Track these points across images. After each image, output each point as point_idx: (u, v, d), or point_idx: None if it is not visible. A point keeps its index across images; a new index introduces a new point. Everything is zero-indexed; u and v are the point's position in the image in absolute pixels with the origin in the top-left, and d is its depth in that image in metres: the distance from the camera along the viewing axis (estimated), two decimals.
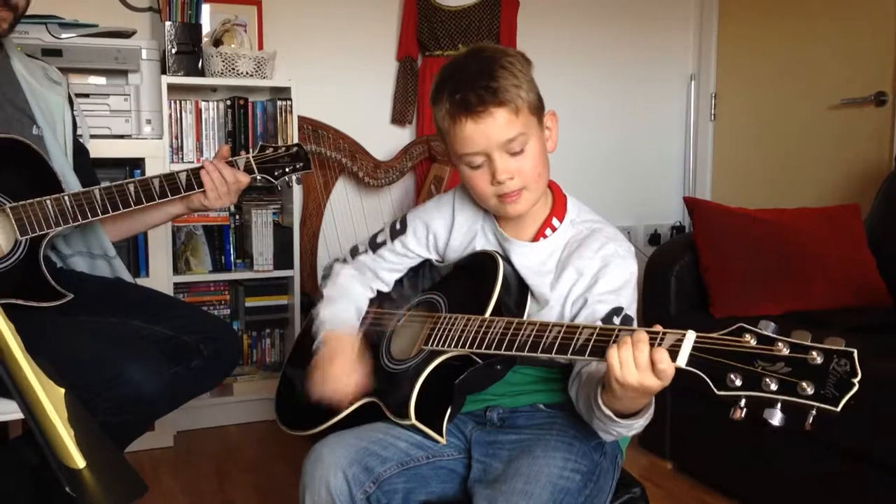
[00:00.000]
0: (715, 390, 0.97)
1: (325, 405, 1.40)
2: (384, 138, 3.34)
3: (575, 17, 3.66)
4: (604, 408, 1.16)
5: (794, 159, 3.43)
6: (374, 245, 1.58)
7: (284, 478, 2.51)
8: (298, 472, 1.33)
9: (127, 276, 1.92)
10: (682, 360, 1.01)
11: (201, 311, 1.91)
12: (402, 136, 3.39)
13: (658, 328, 1.06)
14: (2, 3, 1.63)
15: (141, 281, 2.61)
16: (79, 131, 1.84)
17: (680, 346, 1.02)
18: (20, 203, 1.53)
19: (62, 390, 0.91)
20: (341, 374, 1.39)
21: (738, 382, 0.95)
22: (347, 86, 3.30)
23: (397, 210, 3.40)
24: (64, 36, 2.51)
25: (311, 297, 3.09)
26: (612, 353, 1.07)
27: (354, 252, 1.61)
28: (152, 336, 1.71)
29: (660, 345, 1.04)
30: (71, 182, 1.72)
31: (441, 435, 1.34)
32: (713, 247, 2.40)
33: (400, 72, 3.35)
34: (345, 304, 1.53)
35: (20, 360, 0.82)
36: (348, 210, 3.31)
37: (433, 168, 3.21)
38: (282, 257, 2.96)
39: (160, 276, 2.72)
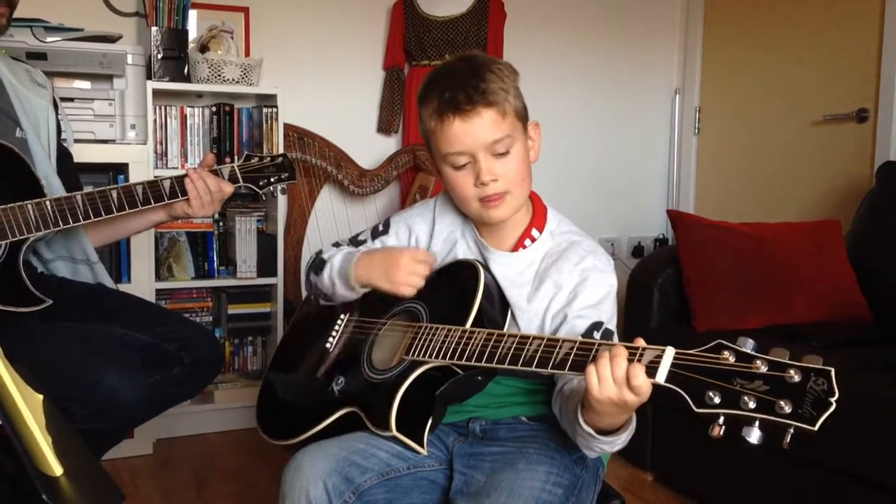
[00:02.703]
0: (694, 407, 0.97)
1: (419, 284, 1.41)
2: (370, 147, 3.35)
3: (561, 30, 3.68)
4: (585, 426, 1.16)
5: (776, 174, 3.46)
6: (356, 242, 1.59)
7: (264, 486, 2.49)
8: (278, 481, 1.32)
9: (109, 281, 1.91)
10: (661, 376, 1.01)
11: (183, 318, 1.90)
12: (388, 146, 3.39)
13: (639, 342, 1.07)
14: (5, 2, 1.65)
15: (123, 287, 2.58)
16: (63, 135, 1.83)
17: (659, 363, 1.02)
18: (0, 207, 1.52)
19: (40, 397, 0.91)
20: (408, 256, 1.42)
21: (717, 400, 0.96)
22: (334, 94, 3.30)
23: (382, 218, 3.38)
24: (49, 39, 2.50)
25: (294, 304, 3.09)
26: (590, 369, 1.07)
27: (336, 246, 1.62)
28: (133, 343, 1.70)
29: (639, 360, 1.04)
30: (55, 185, 1.71)
31: (422, 445, 1.34)
32: (696, 260, 2.42)
33: (386, 81, 3.35)
34: (350, 250, 1.55)
35: None
36: (333, 218, 3.31)
37: (418, 178, 3.21)
38: (265, 265, 2.95)
39: (142, 283, 2.70)
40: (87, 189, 1.65)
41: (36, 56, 2.43)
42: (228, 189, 1.74)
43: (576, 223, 1.49)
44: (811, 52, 3.30)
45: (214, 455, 2.77)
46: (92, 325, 1.69)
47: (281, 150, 2.90)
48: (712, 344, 0.99)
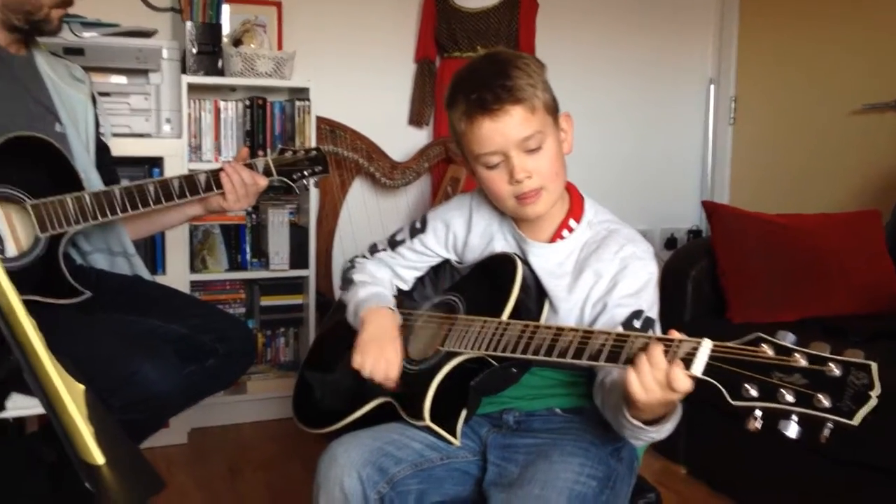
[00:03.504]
0: (730, 400, 0.96)
1: (374, 384, 1.39)
2: (401, 139, 3.35)
3: (594, 20, 3.65)
4: (633, 420, 1.15)
5: (813, 164, 3.41)
6: (393, 243, 1.59)
7: (297, 476, 2.52)
8: (311, 471, 1.33)
9: (146, 274, 1.93)
10: (698, 368, 1.01)
11: (217, 310, 1.92)
12: (420, 138, 3.39)
13: (674, 334, 1.06)
14: (63, 3, 1.67)
15: (158, 279, 2.62)
16: (101, 129, 1.85)
17: (696, 355, 1.01)
18: (41, 200, 1.55)
19: (82, 387, 0.92)
20: (394, 353, 1.39)
21: (754, 393, 0.95)
22: (365, 86, 3.31)
23: (413, 211, 3.40)
24: (86, 35, 2.53)
25: (326, 296, 3.11)
26: (633, 378, 1.06)
27: (373, 250, 1.63)
28: (168, 334, 1.72)
29: (675, 353, 1.04)
30: (93, 179, 1.74)
31: (455, 436, 1.34)
32: (731, 251, 2.39)
33: (418, 73, 3.35)
34: (378, 287, 1.54)
35: (42, 356, 0.83)
36: (364, 210, 3.32)
37: (450, 169, 3.21)
38: (297, 257, 2.97)
39: (177, 274, 2.73)
40: (124, 183, 1.67)
41: (73, 51, 2.46)
42: (263, 182, 1.75)
43: (611, 211, 1.48)
44: (850, 40, 3.24)
45: (248, 445, 2.80)
46: (128, 317, 1.72)
47: (313, 143, 2.92)
48: (751, 337, 0.98)
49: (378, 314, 1.46)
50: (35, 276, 1.56)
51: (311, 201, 2.97)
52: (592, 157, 3.61)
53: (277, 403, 2.96)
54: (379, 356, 1.38)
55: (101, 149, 1.84)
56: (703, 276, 2.45)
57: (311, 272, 2.99)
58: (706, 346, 1.01)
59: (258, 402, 2.98)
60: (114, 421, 1.01)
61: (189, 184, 1.69)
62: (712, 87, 3.88)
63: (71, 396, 0.83)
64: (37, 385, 0.77)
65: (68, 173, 1.63)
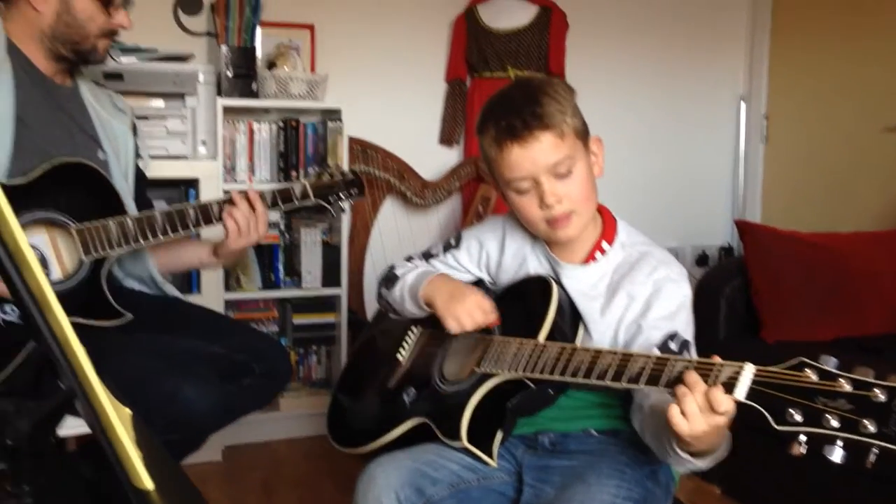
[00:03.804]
0: (774, 425, 0.96)
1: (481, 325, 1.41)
2: (432, 158, 3.37)
3: (624, 39, 3.66)
4: (682, 454, 1.14)
5: (847, 182, 3.38)
6: (427, 256, 1.62)
7: (330, 494, 2.53)
8: (343, 489, 1.35)
9: (178, 296, 1.96)
10: (741, 393, 1.01)
11: (253, 330, 1.95)
12: (450, 157, 3.41)
13: (716, 359, 1.06)
14: (109, 33, 1.71)
15: (193, 298, 2.66)
16: (140, 161, 1.89)
17: (738, 379, 1.01)
18: (85, 225, 1.58)
19: (128, 411, 0.94)
20: (475, 295, 1.42)
21: (799, 418, 0.95)
22: (397, 107, 3.34)
23: (444, 229, 3.42)
24: (125, 60, 2.58)
25: (358, 314, 3.13)
26: (674, 411, 1.05)
27: (408, 259, 1.64)
28: (206, 355, 1.74)
29: (716, 377, 1.04)
30: (130, 206, 1.77)
31: (492, 457, 1.35)
32: (765, 270, 2.38)
33: (449, 93, 3.38)
34: (422, 267, 1.57)
35: (93, 380, 0.85)
36: (395, 229, 3.34)
37: (481, 188, 3.22)
38: (330, 275, 3.00)
39: (212, 294, 2.77)
40: (165, 208, 1.70)
41: (113, 76, 2.52)
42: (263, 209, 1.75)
43: (639, 230, 1.48)
44: (883, 56, 3.22)
45: (281, 462, 2.82)
46: (166, 337, 1.74)
47: (346, 163, 2.95)
48: (794, 361, 0.98)
49: (437, 282, 1.48)
50: (79, 298, 1.59)
51: (343, 220, 3.00)
52: (623, 174, 3.60)
53: (310, 421, 2.98)
54: (469, 308, 1.40)
55: (139, 178, 1.88)
56: (736, 294, 2.44)
57: (343, 290, 3.01)
58: (749, 370, 1.02)
59: (291, 419, 3.00)
60: (159, 444, 1.03)
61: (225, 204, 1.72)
62: (743, 104, 3.86)
63: (119, 421, 0.85)
64: (90, 411, 0.79)
65: (111, 198, 1.66)
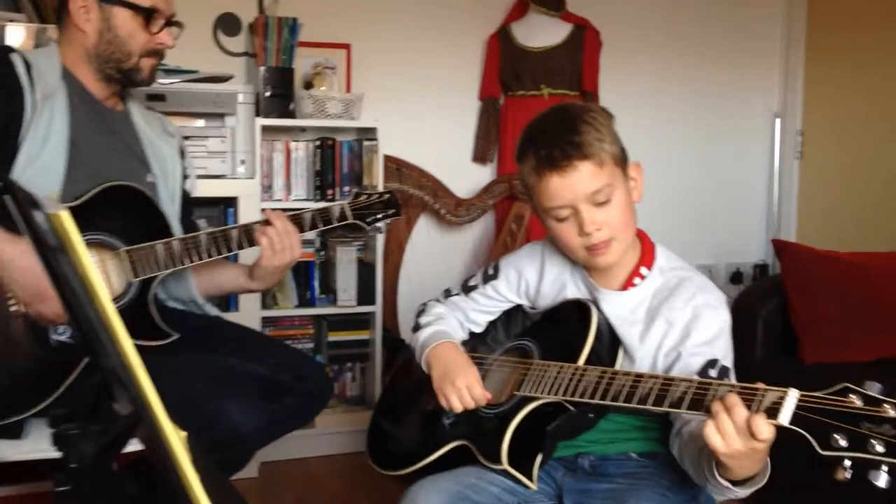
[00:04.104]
0: (819, 450, 0.97)
1: (465, 407, 1.43)
2: (466, 176, 3.39)
3: (658, 55, 3.66)
4: (721, 481, 1.14)
5: (883, 200, 3.35)
6: (467, 288, 1.63)
7: None
8: None
9: (220, 315, 1.99)
10: (785, 418, 1.01)
11: (294, 349, 1.97)
12: (484, 175, 3.43)
13: (759, 385, 1.07)
14: (154, 52, 1.74)
15: (231, 315, 2.70)
16: (187, 183, 1.93)
17: (782, 404, 1.02)
18: (134, 247, 1.62)
19: (185, 433, 0.96)
20: (466, 377, 1.44)
21: (844, 443, 0.95)
22: (430, 125, 3.37)
23: (478, 247, 3.43)
24: (167, 81, 2.63)
25: (392, 332, 3.15)
26: (710, 429, 1.06)
27: (447, 294, 1.66)
28: (248, 374, 1.77)
29: (760, 403, 1.04)
30: (175, 228, 1.80)
31: (532, 480, 1.36)
32: (803, 290, 2.37)
33: (482, 111, 3.40)
34: (439, 325, 1.58)
35: (155, 404, 0.87)
36: (429, 246, 3.36)
37: (514, 206, 3.24)
38: (365, 293, 3.02)
39: (249, 311, 2.81)
40: (209, 230, 1.74)
41: (156, 97, 2.57)
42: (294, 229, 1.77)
43: (673, 250, 1.49)
44: None
45: (316, 479, 2.84)
46: (210, 357, 1.76)
47: (381, 181, 2.98)
48: (838, 387, 0.98)
49: (440, 351, 1.50)
50: (127, 319, 1.60)
51: (377, 238, 3.02)
52: (657, 190, 3.59)
53: (345, 438, 3.00)
54: (457, 388, 1.43)
55: (184, 200, 1.92)
56: (773, 314, 2.43)
57: (377, 308, 3.04)
58: (793, 395, 1.02)
59: (326, 436, 3.03)
60: (214, 465, 1.06)
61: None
62: (778, 120, 3.84)
63: (179, 443, 0.88)
64: (153, 434, 0.81)
65: (158, 220, 1.70)
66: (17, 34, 2.50)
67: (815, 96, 3.70)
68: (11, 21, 2.55)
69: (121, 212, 1.65)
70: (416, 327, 1.62)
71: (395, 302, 3.26)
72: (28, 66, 1.62)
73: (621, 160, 1.38)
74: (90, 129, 1.70)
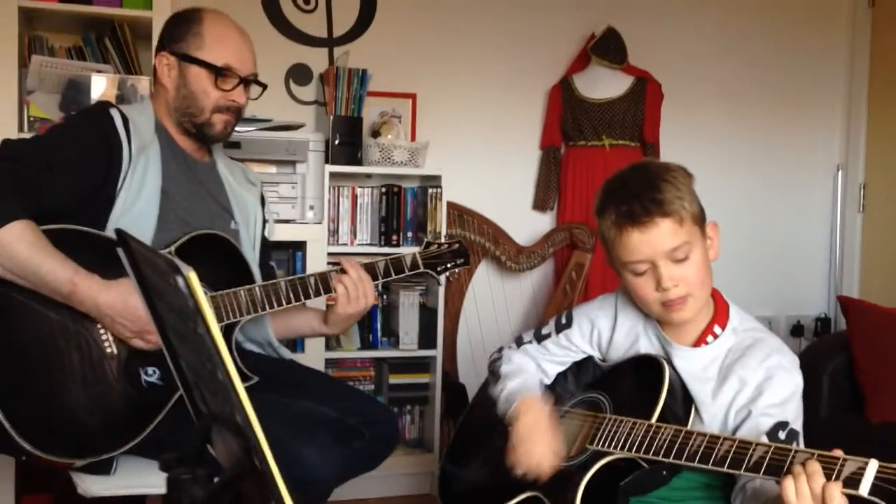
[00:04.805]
0: None
1: (527, 478, 1.44)
2: (526, 224, 3.44)
3: (719, 107, 3.69)
4: None
5: None
6: (539, 336, 1.66)
7: None
8: None
9: (293, 359, 2.05)
10: (865, 488, 1.03)
11: (363, 394, 2.03)
12: (543, 222, 3.48)
13: (838, 453, 1.08)
14: (226, 109, 1.80)
15: (296, 356, 2.75)
16: (266, 229, 2.01)
17: (863, 474, 1.04)
18: (219, 292, 1.69)
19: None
20: (544, 449, 1.44)
21: None
22: (492, 173, 3.43)
23: (537, 294, 3.47)
24: (242, 129, 2.74)
25: (451, 375, 3.19)
26: (788, 484, 1.08)
27: (519, 342, 1.70)
28: (320, 417, 1.82)
29: (838, 473, 1.06)
30: (256, 274, 1.88)
31: None
32: (869, 348, 2.35)
33: (543, 160, 3.46)
34: (525, 377, 1.60)
35: (266, 448, 0.92)
36: (489, 292, 3.40)
37: (574, 255, 3.27)
38: (426, 337, 3.07)
39: (314, 352, 2.87)
40: (288, 277, 1.80)
41: (231, 145, 2.66)
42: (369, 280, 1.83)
43: (733, 299, 1.51)
44: None
45: None
46: (284, 399, 1.82)
47: (443, 227, 3.05)
48: None
49: (528, 407, 1.50)
50: None
51: (440, 284, 3.08)
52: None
53: (404, 480, 3.03)
54: (531, 453, 1.44)
55: (264, 245, 2.00)
56: (839, 372, 2.41)
57: (438, 352, 3.08)
58: (873, 466, 1.04)
59: (386, 478, 3.05)
60: None
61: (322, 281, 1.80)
62: (840, 173, 3.83)
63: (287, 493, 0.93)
64: (267, 481, 0.86)
65: (241, 266, 1.78)
66: (101, 84, 2.64)
67: (878, 149, 3.69)
68: (99, 72, 2.70)
69: (207, 258, 1.73)
70: (495, 377, 1.64)
71: (455, 346, 3.30)
72: (125, 120, 1.72)
73: (700, 219, 1.42)
74: (180, 180, 1.79)
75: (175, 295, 0.90)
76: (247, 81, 1.83)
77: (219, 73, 1.77)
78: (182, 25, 1.80)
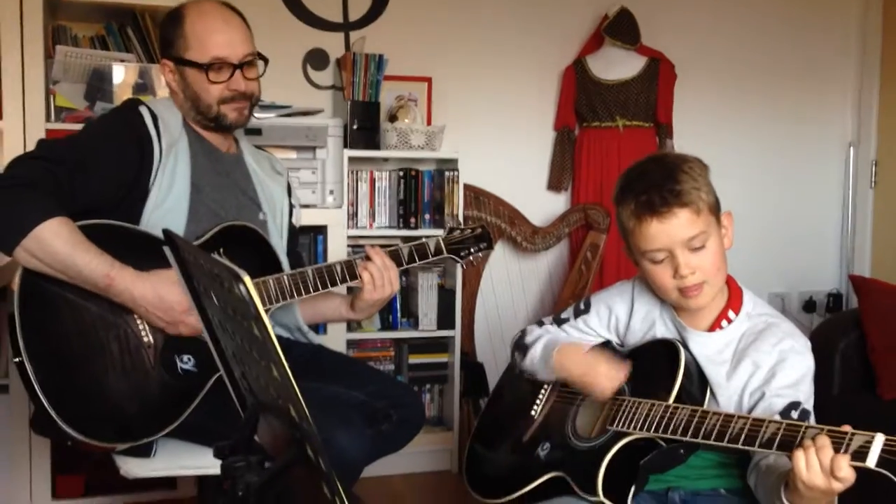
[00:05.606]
0: None
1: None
2: (541, 204, 3.48)
3: (731, 85, 3.71)
4: (786, 501, 1.23)
5: None
6: (559, 320, 1.72)
7: None
8: None
9: (322, 343, 2.11)
10: (872, 460, 1.09)
11: (390, 377, 2.09)
12: (558, 203, 3.52)
13: (846, 428, 1.14)
14: (231, 98, 1.82)
15: (318, 338, 2.82)
16: (293, 216, 2.06)
17: (869, 447, 1.10)
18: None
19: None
20: (608, 366, 1.52)
21: None
22: (507, 154, 3.47)
23: (552, 275, 3.52)
24: (263, 116, 2.79)
25: (469, 355, 3.25)
26: (799, 455, 1.15)
27: (540, 324, 1.75)
28: (348, 401, 1.89)
29: (847, 446, 1.12)
30: (284, 262, 1.93)
31: None
32: (882, 327, 2.39)
33: (557, 141, 3.49)
34: (551, 335, 1.68)
35: (315, 435, 0.97)
36: (506, 273, 3.46)
37: (589, 236, 3.32)
38: (444, 318, 3.14)
39: (336, 334, 2.94)
40: (315, 265, 1.86)
41: (252, 132, 2.71)
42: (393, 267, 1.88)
43: (746, 277, 1.56)
44: None
45: (398, 497, 2.95)
46: (314, 384, 1.87)
47: (461, 209, 3.10)
48: None
49: (566, 352, 1.58)
50: None
51: (464, 268, 3.12)
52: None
53: (425, 457, 3.11)
54: (609, 376, 1.51)
55: (292, 235, 2.05)
56: (851, 350, 2.45)
57: (456, 332, 3.15)
58: (879, 439, 1.10)
59: (407, 455, 3.07)
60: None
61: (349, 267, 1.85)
62: (852, 149, 3.85)
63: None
64: (315, 468, 0.92)
65: (270, 256, 1.84)
66: (121, 72, 2.69)
67: (890, 126, 3.70)
68: (121, 61, 2.75)
69: (237, 248, 1.79)
70: (522, 350, 1.70)
71: (472, 326, 3.37)
72: (154, 117, 1.77)
73: (715, 209, 1.47)
74: (209, 173, 1.84)
75: (227, 296, 0.96)
76: (242, 65, 1.81)
77: (209, 68, 1.78)
78: (169, 28, 1.82)
